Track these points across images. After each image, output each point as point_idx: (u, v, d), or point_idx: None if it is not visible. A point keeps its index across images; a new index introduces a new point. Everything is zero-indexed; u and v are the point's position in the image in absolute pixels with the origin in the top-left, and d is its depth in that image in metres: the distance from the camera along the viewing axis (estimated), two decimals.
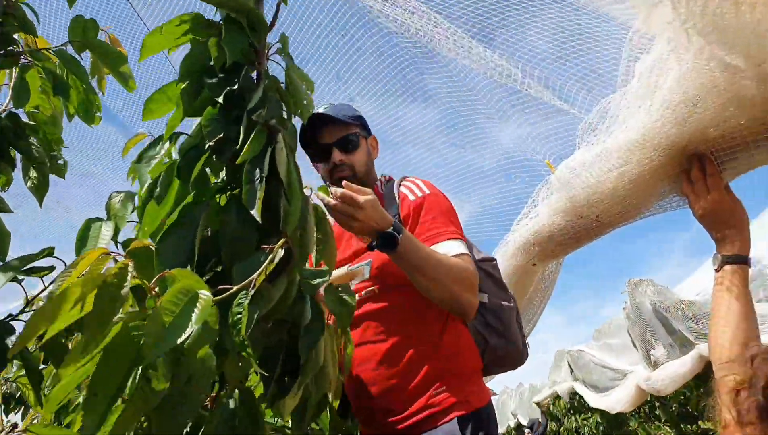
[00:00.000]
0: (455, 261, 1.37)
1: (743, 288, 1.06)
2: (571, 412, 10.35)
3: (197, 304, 0.65)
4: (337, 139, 1.56)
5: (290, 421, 1.04)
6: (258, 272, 0.72)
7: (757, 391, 0.89)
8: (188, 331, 0.62)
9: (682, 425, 4.99)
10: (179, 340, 0.61)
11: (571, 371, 7.80)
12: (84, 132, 3.19)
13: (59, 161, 1.39)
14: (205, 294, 0.66)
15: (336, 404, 1.18)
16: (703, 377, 4.12)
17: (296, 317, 0.85)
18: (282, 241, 0.77)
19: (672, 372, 3.80)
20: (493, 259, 1.65)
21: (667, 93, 1.03)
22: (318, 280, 0.96)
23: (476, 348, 1.51)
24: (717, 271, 1.10)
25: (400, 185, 1.60)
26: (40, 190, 1.32)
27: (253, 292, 0.71)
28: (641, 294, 4.15)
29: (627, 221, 1.28)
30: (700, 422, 4.84)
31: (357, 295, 1.34)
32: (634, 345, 4.72)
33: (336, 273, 1.47)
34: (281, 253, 0.76)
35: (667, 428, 6.28)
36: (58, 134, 1.35)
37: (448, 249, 1.41)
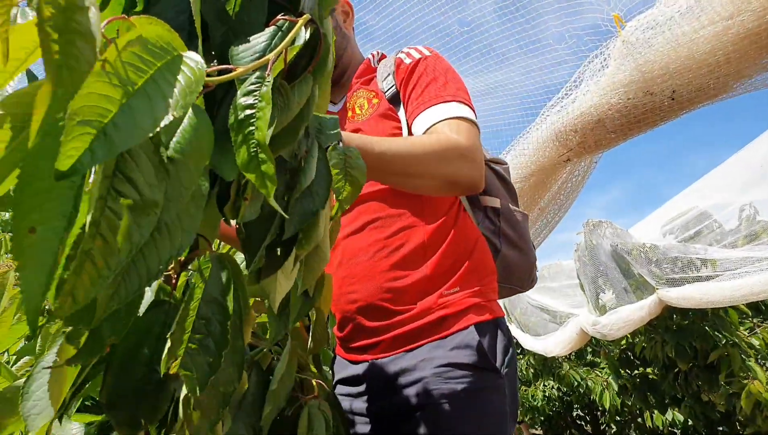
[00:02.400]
0: (428, 140, 0.96)
1: None
2: None
3: (180, 73, 0.35)
4: None
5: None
6: (278, 49, 0.43)
7: None
8: (165, 118, 0.32)
9: (621, 370, 5.04)
10: (151, 132, 0.32)
11: (508, 314, 7.95)
12: None
13: None
14: (194, 57, 0.36)
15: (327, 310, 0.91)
16: (655, 324, 4.11)
17: (303, 162, 0.56)
18: (306, 16, 0.47)
19: (625, 316, 3.69)
20: (505, 163, 1.37)
21: None
22: (331, 132, 0.67)
23: (489, 249, 1.19)
24: None
25: (398, 54, 1.24)
26: None
27: (270, 80, 0.41)
28: (599, 236, 4.08)
29: (705, 102, 1.06)
30: (642, 368, 4.90)
31: None
32: (582, 289, 4.70)
33: None
34: (304, 33, 0.47)
35: (597, 374, 6.48)
36: None
37: (440, 114, 1.03)
